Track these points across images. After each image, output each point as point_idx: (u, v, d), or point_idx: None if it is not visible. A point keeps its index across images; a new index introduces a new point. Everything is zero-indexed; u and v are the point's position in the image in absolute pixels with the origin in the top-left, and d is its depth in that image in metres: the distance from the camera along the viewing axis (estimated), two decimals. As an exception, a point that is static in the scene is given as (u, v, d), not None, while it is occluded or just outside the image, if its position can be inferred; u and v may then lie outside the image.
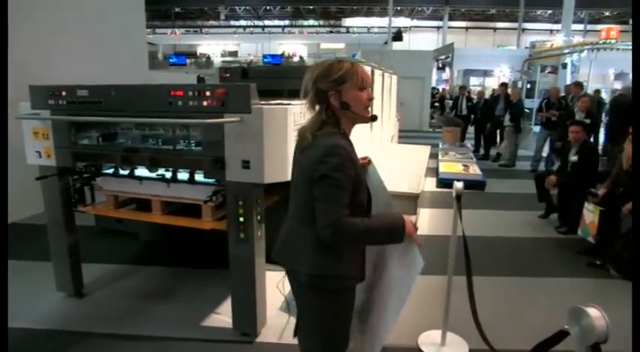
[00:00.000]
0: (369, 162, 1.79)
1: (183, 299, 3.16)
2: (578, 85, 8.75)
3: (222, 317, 2.88)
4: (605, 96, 18.95)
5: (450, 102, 14.34)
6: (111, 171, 2.92)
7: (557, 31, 23.46)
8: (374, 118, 1.62)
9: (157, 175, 2.77)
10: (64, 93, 2.71)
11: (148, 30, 28.78)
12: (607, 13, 30.70)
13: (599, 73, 20.08)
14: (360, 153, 1.63)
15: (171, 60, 26.79)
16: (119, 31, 6.15)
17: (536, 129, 8.59)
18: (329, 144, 1.45)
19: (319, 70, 1.53)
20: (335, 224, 1.38)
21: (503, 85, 9.84)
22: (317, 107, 1.55)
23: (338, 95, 1.50)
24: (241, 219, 2.43)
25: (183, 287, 3.35)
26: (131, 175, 2.83)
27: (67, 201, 2.97)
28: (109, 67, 5.45)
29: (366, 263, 1.69)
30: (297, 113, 2.49)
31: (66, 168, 2.89)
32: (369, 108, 1.60)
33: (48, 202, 2.99)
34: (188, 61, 27.94)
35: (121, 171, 2.88)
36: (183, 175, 2.69)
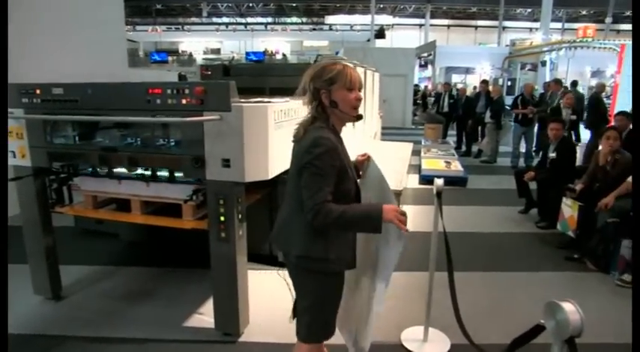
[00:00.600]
0: (369, 158, 1.91)
1: (164, 300, 3.12)
2: (558, 82, 8.92)
3: (205, 317, 2.85)
4: (583, 92, 19.37)
5: (432, 99, 14.46)
6: (89, 170, 2.86)
7: (537, 29, 23.85)
8: (359, 117, 1.71)
9: (136, 175, 2.72)
10: (38, 92, 2.64)
11: (128, 27, 28.35)
12: (584, 12, 31.31)
13: (577, 71, 20.47)
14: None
15: (153, 57, 26.38)
16: (96, 27, 6.02)
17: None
18: (315, 136, 1.57)
19: (315, 69, 1.66)
20: (314, 209, 1.51)
21: (485, 82, 9.97)
22: (311, 103, 1.66)
23: (328, 94, 1.63)
24: (222, 218, 2.40)
25: (164, 287, 3.30)
26: (109, 175, 2.78)
27: (43, 201, 2.89)
28: (86, 64, 5.32)
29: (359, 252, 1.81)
30: (279, 111, 2.47)
31: (42, 168, 2.82)
32: (357, 108, 1.69)
33: (23, 203, 2.91)
34: (170, 58, 27.55)
35: (99, 171, 2.82)
36: (162, 174, 2.65)
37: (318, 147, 1.54)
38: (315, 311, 1.73)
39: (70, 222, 4.26)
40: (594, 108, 7.83)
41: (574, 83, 9.62)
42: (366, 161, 1.91)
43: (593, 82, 21.55)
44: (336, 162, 1.57)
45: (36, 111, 2.66)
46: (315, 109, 1.64)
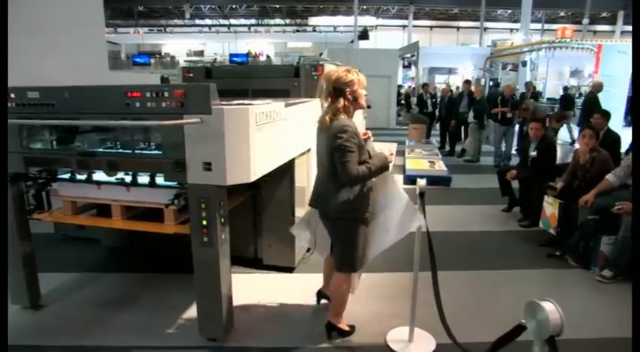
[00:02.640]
0: (369, 137, 2.53)
1: (147, 306, 3.06)
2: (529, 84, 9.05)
3: (188, 322, 2.81)
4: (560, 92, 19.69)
5: (415, 99, 14.54)
6: (67, 175, 2.80)
7: (517, 30, 24.19)
8: (369, 106, 2.54)
9: (116, 179, 2.67)
10: (12, 95, 2.57)
11: (110, 29, 27.91)
12: (562, 14, 31.90)
13: (556, 71, 20.83)
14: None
15: (135, 59, 25.96)
16: (75, 29, 5.89)
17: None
18: (341, 124, 2.25)
19: (335, 75, 2.30)
20: (349, 177, 2.23)
21: (467, 83, 10.06)
22: (329, 99, 2.32)
23: (351, 92, 2.31)
24: (204, 222, 2.36)
25: (147, 293, 3.25)
26: (89, 180, 2.72)
27: (20, 208, 2.81)
28: (64, 67, 5.21)
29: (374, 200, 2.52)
30: (260, 113, 2.44)
31: (18, 173, 2.74)
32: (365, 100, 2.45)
33: (-1, 210, 2.83)
34: (152, 60, 27.18)
35: (78, 176, 2.76)
36: (143, 179, 2.61)
37: (344, 133, 2.21)
38: (351, 246, 2.43)
39: (49, 229, 4.16)
40: (588, 108, 7.79)
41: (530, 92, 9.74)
42: (368, 139, 2.50)
43: (573, 82, 21.97)
44: (356, 141, 2.26)
45: (10, 116, 2.57)
46: (342, 103, 2.28)
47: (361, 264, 2.53)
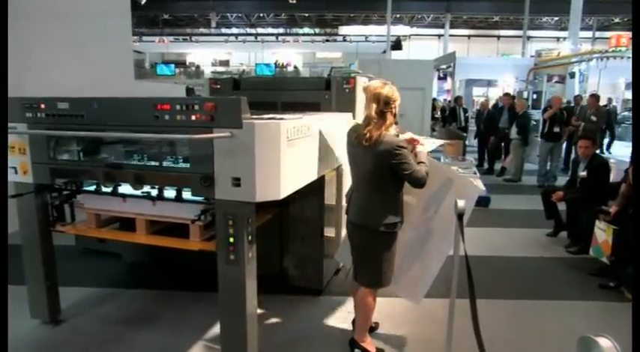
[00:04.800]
0: (419, 142, 2.79)
1: (168, 326, 3.12)
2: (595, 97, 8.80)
3: (211, 344, 2.85)
4: (617, 105, 19.09)
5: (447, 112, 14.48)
6: (93, 188, 2.91)
7: (564, 38, 23.77)
8: (396, 122, 2.67)
9: (142, 193, 2.75)
10: (42, 106, 2.70)
11: (135, 37, 28.97)
12: (617, 20, 31.11)
13: (609, 83, 20.29)
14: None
15: (160, 69, 26.83)
16: (102, 38, 6.18)
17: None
18: (394, 140, 2.48)
19: (385, 92, 2.50)
20: (420, 178, 2.48)
21: (507, 95, 9.92)
22: (376, 115, 2.49)
23: (395, 108, 2.55)
24: (231, 240, 2.40)
25: (169, 312, 3.31)
26: (114, 192, 2.82)
27: (43, 220, 2.94)
28: (91, 77, 5.45)
29: (416, 208, 2.87)
30: (291, 128, 2.49)
31: (44, 184, 2.87)
32: None
33: (23, 221, 2.96)
34: (177, 70, 28.01)
35: (104, 189, 2.87)
36: (169, 193, 2.68)
37: (402, 149, 2.47)
38: (389, 262, 2.63)
39: (70, 241, 4.31)
40: None
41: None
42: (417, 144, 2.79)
43: (629, 94, 21.31)
44: (408, 150, 2.55)
45: (40, 126, 2.72)
46: (388, 120, 2.51)
47: (390, 278, 2.70)
